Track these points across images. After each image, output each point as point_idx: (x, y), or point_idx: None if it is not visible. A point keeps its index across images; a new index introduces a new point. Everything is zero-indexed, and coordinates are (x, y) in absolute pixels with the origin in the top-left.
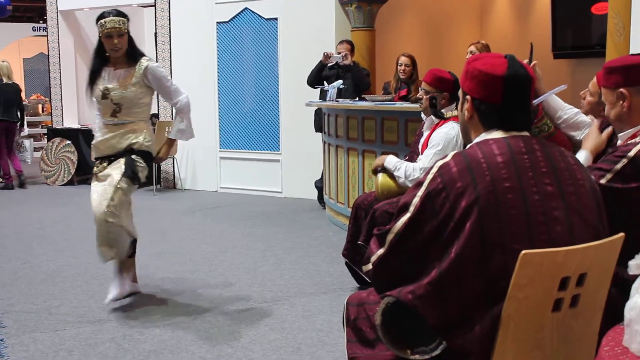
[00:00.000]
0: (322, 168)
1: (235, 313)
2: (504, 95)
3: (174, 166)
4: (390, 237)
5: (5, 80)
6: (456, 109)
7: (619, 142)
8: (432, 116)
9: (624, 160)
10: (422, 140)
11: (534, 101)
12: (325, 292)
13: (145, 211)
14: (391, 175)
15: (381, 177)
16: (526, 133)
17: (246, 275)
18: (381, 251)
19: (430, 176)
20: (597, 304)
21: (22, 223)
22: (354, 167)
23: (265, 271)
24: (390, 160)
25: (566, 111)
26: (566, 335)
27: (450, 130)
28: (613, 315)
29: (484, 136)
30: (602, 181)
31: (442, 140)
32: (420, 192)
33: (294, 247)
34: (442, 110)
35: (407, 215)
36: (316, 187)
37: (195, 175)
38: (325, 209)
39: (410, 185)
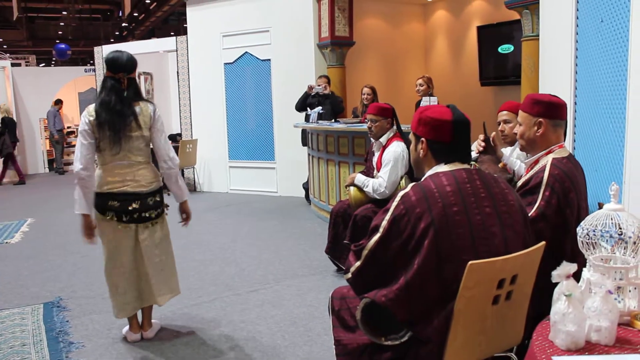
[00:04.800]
0: (307, 173)
1: (245, 294)
2: (453, 135)
3: (194, 173)
4: (365, 252)
5: (9, 116)
6: (398, 131)
7: (523, 167)
8: (379, 140)
9: (544, 191)
10: (375, 159)
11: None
12: (313, 273)
13: (173, 210)
14: (360, 189)
15: (353, 191)
16: (467, 165)
17: (253, 261)
18: (358, 263)
19: (395, 204)
20: (525, 295)
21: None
22: (332, 174)
23: (267, 257)
24: (359, 179)
25: (515, 166)
26: (503, 321)
27: (396, 148)
28: None
29: (436, 169)
30: (533, 213)
31: (392, 157)
32: (388, 217)
33: (289, 237)
34: (386, 134)
35: (378, 235)
36: (303, 187)
37: (211, 180)
38: (310, 204)
39: (377, 196)
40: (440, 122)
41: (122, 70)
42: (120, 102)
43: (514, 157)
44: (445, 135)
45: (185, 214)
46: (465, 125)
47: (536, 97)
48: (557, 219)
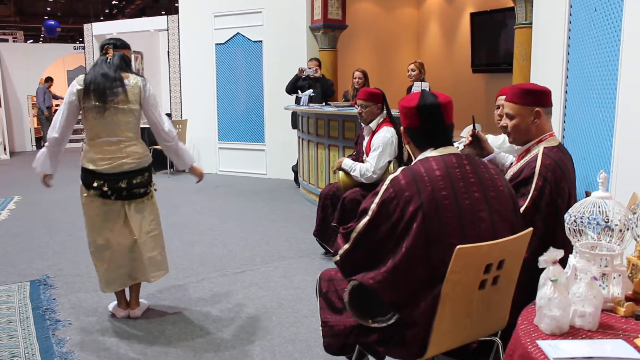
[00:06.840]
0: (297, 156)
1: (233, 275)
2: (420, 120)
3: None
4: (353, 235)
5: None
6: (388, 116)
7: (514, 156)
8: (369, 125)
9: (537, 181)
10: (365, 143)
11: (485, 159)
12: (301, 256)
13: (162, 190)
14: (347, 173)
15: (341, 175)
16: (454, 149)
17: (241, 243)
18: (346, 246)
19: (384, 187)
20: (511, 281)
21: (68, 201)
22: (322, 157)
23: (255, 239)
24: (346, 163)
25: (507, 161)
26: (488, 305)
27: (385, 134)
28: None
29: (424, 154)
30: (528, 203)
31: (380, 143)
32: (377, 200)
33: (276, 219)
34: (376, 119)
35: (367, 218)
36: (292, 170)
37: (200, 161)
38: (299, 187)
39: (364, 180)
40: (407, 109)
41: (107, 45)
42: (107, 67)
43: (507, 145)
44: (414, 122)
45: (197, 177)
46: (432, 108)
47: (526, 87)
48: (549, 208)
